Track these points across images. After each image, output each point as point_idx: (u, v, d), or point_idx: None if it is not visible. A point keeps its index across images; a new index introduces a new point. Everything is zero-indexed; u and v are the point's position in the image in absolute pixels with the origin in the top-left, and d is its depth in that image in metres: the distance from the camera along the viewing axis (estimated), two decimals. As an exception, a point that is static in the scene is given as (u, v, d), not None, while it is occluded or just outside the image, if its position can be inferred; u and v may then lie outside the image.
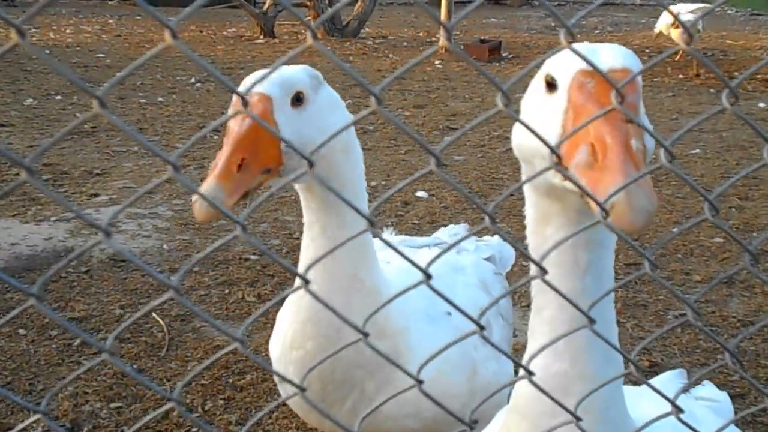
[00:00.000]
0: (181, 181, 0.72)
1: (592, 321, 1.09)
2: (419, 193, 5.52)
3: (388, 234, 2.63)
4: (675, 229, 4.92)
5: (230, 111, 1.35)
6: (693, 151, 6.72)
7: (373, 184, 5.72)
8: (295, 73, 1.53)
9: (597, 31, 16.08)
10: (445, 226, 5.03)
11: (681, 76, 10.62)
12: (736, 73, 10.20)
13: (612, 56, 1.10)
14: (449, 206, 5.29)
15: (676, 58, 11.67)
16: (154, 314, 3.69)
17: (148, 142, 0.75)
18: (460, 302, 2.02)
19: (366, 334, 0.96)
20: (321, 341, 1.75)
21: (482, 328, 0.97)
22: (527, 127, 0.92)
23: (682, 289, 4.15)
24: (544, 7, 0.78)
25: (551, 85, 1.14)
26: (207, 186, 1.32)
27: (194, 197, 1.30)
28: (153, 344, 3.48)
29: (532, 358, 1.22)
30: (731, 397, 2.14)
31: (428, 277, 0.86)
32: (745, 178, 6.05)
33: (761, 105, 8.72)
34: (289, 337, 1.83)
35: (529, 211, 1.29)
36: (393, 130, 7.31)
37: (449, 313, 1.99)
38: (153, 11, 0.71)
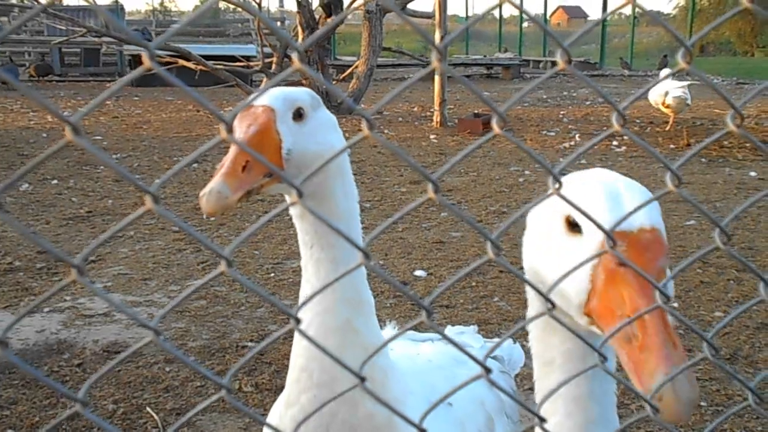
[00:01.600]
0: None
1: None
2: (417, 272, 5.47)
3: (390, 329, 2.57)
4: (677, 312, 4.87)
5: (236, 120, 1.52)
6: (688, 223, 6.73)
7: (371, 264, 5.66)
8: (297, 91, 1.65)
9: (588, 102, 16.40)
10: (445, 307, 5.02)
11: (672, 146, 10.76)
12: (726, 143, 10.34)
13: (641, 212, 1.07)
14: (448, 285, 5.23)
15: (667, 128, 11.87)
16: (148, 408, 3.57)
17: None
18: (461, 395, 1.97)
19: (363, 378, 0.96)
20: (316, 393, 1.70)
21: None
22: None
23: (688, 367, 4.07)
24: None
25: (573, 225, 1.11)
26: (214, 182, 1.42)
27: (201, 192, 1.41)
28: (147, 441, 3.36)
29: None
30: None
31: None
32: (742, 249, 6.03)
33: (752, 174, 8.79)
34: (285, 395, 1.80)
35: (532, 324, 1.29)
36: (390, 208, 7.33)
37: (450, 404, 1.93)
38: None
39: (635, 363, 0.98)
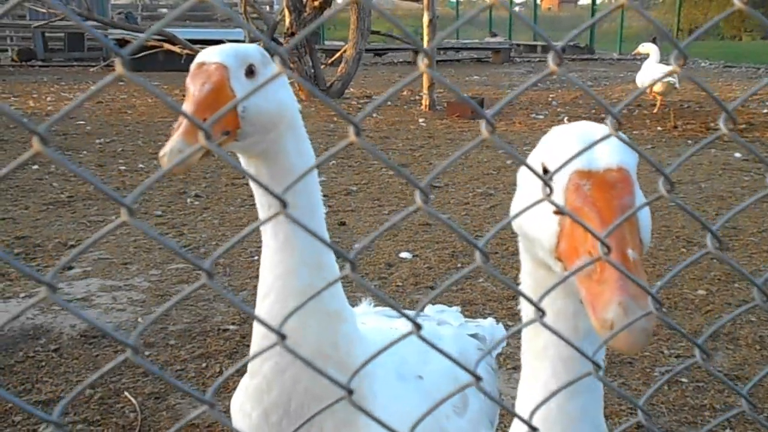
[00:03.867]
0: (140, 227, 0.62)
1: None
2: (403, 254, 5.42)
3: (365, 305, 2.52)
4: (658, 283, 4.85)
5: (188, 79, 1.50)
6: (672, 204, 6.70)
7: (357, 246, 5.61)
8: (248, 47, 1.62)
9: (577, 86, 16.34)
10: (430, 288, 4.97)
11: (659, 128, 10.73)
12: (712, 125, 10.32)
13: (608, 153, 1.08)
14: (433, 266, 5.18)
15: (654, 111, 11.84)
16: (126, 393, 3.51)
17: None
18: (433, 369, 1.93)
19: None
20: (277, 360, 1.68)
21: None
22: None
23: (668, 344, 4.05)
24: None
25: (546, 173, 1.14)
26: (173, 141, 1.38)
27: (161, 152, 1.37)
28: (125, 426, 3.29)
29: None
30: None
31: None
32: (724, 228, 6.01)
33: (737, 155, 8.79)
34: (249, 366, 1.79)
35: (526, 280, 1.29)
36: (376, 191, 7.26)
37: (421, 377, 1.92)
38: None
39: (592, 296, 0.97)
